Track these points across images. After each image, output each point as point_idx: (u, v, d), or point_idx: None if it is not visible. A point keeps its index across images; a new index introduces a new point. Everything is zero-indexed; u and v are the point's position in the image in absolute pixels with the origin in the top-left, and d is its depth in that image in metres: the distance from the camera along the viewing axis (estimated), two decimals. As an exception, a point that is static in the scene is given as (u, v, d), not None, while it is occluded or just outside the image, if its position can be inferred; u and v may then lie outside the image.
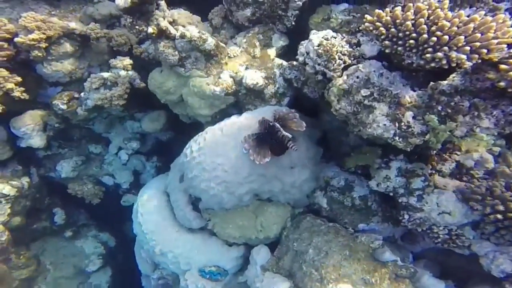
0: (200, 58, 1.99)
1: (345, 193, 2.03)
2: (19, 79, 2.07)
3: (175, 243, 2.24)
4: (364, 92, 1.48)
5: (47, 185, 2.97)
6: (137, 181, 3.20)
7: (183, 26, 2.13)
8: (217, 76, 2.00)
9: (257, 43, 2.12)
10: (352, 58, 1.62)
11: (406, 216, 1.73)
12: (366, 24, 1.45)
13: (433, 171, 1.69)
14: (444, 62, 1.26)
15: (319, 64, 1.62)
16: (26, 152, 2.61)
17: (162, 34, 1.89)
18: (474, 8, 1.43)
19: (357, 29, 1.76)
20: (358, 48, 1.64)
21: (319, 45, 1.63)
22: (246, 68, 2.02)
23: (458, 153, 1.66)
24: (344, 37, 1.69)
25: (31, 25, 1.92)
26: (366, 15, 1.49)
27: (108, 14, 2.41)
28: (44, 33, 1.97)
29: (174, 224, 2.32)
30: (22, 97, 2.09)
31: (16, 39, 1.99)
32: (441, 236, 1.65)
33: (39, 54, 2.02)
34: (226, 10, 2.21)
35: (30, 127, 2.29)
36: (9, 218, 2.47)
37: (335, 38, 1.66)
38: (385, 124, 1.46)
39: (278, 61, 2.08)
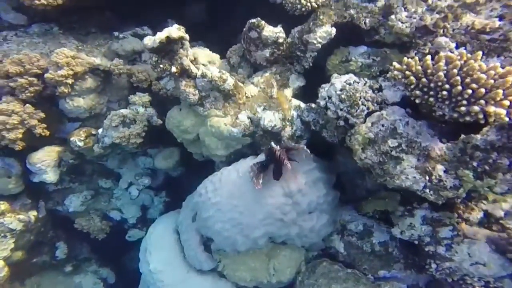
0: (218, 98, 2.03)
1: (364, 238, 1.98)
2: (42, 115, 2.11)
3: (184, 285, 2.16)
4: (391, 143, 1.48)
5: (52, 218, 2.91)
6: (144, 215, 3.14)
7: (203, 65, 2.20)
8: (234, 117, 2.03)
9: (275, 83, 2.17)
10: (375, 104, 1.63)
11: (434, 265, 1.67)
12: (395, 72, 1.47)
13: (460, 220, 1.65)
14: (481, 116, 1.24)
15: (341, 110, 1.64)
16: (36, 185, 2.59)
17: (184, 73, 1.94)
18: (502, 58, 1.44)
19: (378, 74, 1.80)
20: (380, 93, 1.65)
21: (341, 90, 1.65)
22: (264, 109, 2.06)
23: (485, 202, 1.62)
24: (366, 82, 1.70)
25: (62, 61, 1.99)
26: (394, 63, 1.52)
27: (131, 50, 2.52)
28: (72, 70, 2.03)
29: (184, 265, 2.25)
30: (43, 134, 2.11)
31: (46, 75, 2.05)
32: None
33: (65, 90, 2.08)
34: (245, 49, 2.28)
35: (46, 163, 2.30)
36: (11, 253, 2.40)
37: (358, 83, 1.67)
38: (414, 177, 1.45)
39: (296, 102, 2.12)
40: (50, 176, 2.39)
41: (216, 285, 2.15)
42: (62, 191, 2.78)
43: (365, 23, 1.94)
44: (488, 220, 1.65)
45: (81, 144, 2.29)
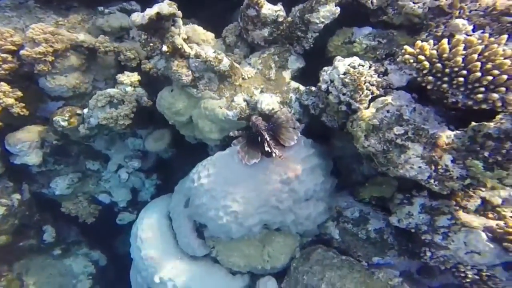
0: (213, 79, 1.91)
1: (359, 225, 1.96)
2: (19, 94, 1.95)
3: (176, 272, 2.12)
4: (397, 130, 1.40)
5: (38, 201, 2.80)
6: (135, 198, 3.06)
7: (197, 44, 2.05)
8: (230, 99, 1.92)
9: (273, 65, 2.05)
10: (381, 89, 1.54)
11: (429, 253, 1.66)
12: (406, 56, 1.38)
13: (458, 207, 1.62)
14: (499, 104, 1.17)
15: (344, 94, 1.54)
16: (18, 167, 2.46)
17: (176, 52, 1.80)
18: None
19: (384, 57, 1.70)
20: (385, 77, 1.56)
21: (345, 74, 1.54)
22: (261, 92, 1.95)
23: (483, 189, 1.59)
24: (371, 65, 1.61)
25: (39, 37, 1.81)
26: (406, 47, 1.42)
27: (118, 26, 2.34)
28: (51, 46, 1.86)
29: (176, 251, 2.20)
30: (21, 113, 1.96)
31: (21, 52, 1.88)
32: (469, 276, 1.57)
33: (45, 68, 1.92)
34: (241, 28, 2.14)
35: (27, 144, 2.15)
36: (-6, 239, 2.31)
37: (363, 66, 1.57)
38: (420, 167, 1.39)
39: (294, 84, 2.02)
40: (32, 158, 2.26)
41: (210, 271, 2.12)
42: (47, 173, 2.66)
43: (371, 2, 1.81)
44: (485, 208, 1.63)
45: (64, 124, 2.14)
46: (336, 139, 2.09)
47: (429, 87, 1.34)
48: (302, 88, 1.98)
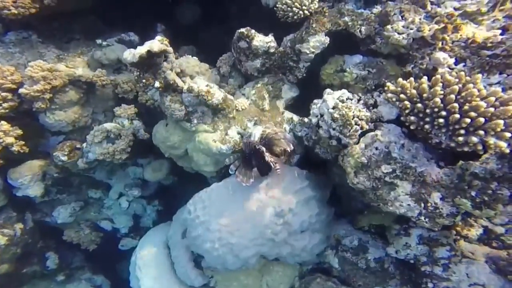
0: (207, 113, 1.93)
1: (359, 254, 1.94)
2: (19, 132, 2.01)
3: (175, 303, 2.11)
4: (385, 168, 1.40)
5: (41, 228, 2.84)
6: (137, 224, 3.07)
7: (191, 76, 2.09)
8: (224, 132, 1.94)
9: (266, 95, 2.07)
10: (370, 123, 1.53)
11: (430, 285, 1.63)
12: (389, 94, 1.38)
13: (458, 237, 1.59)
14: (480, 148, 1.16)
15: (333, 129, 1.54)
16: (21, 198, 2.51)
17: (169, 87, 1.84)
18: (505, 75, 1.33)
19: (373, 87, 1.69)
20: (375, 109, 1.55)
21: (334, 108, 1.55)
22: (255, 124, 1.97)
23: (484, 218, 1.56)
24: (360, 98, 1.60)
25: (37, 75, 1.87)
26: (388, 84, 1.42)
27: (115, 59, 2.40)
28: (49, 83, 1.92)
29: (175, 281, 2.20)
30: (21, 151, 2.01)
31: (20, 91, 1.94)
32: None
33: (43, 106, 1.97)
34: (235, 58, 2.17)
35: (28, 178, 2.20)
36: (-5, 268, 2.34)
37: (351, 100, 1.57)
38: (409, 204, 1.38)
39: (288, 115, 2.03)
40: (34, 190, 2.31)
41: (209, 301, 2.11)
42: (49, 202, 2.70)
43: (360, 31, 1.83)
44: (488, 237, 1.60)
45: (64, 158, 2.19)
46: (335, 167, 2.08)
47: (412, 127, 1.34)
48: (295, 118, 1.99)
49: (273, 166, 1.66)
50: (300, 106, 2.21)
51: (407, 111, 1.33)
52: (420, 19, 1.69)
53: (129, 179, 2.75)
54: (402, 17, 1.72)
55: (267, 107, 2.03)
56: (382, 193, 1.42)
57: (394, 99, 1.35)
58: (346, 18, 1.86)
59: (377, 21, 1.80)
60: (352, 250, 1.96)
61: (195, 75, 2.07)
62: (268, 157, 1.66)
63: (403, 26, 1.65)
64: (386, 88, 1.43)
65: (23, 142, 2.03)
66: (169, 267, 2.24)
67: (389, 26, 1.67)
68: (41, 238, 2.86)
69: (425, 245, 1.63)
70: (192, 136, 1.96)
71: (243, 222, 1.81)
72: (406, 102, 1.31)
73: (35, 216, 2.73)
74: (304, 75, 2.05)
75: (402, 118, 1.36)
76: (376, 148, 1.44)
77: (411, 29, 1.62)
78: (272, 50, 2.00)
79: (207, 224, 1.87)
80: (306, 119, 1.87)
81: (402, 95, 1.31)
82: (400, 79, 1.38)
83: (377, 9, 1.86)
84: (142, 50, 1.61)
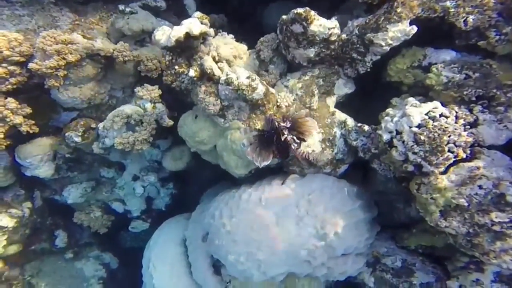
0: (244, 108, 1.65)
1: (401, 277, 1.71)
2: (28, 110, 1.75)
3: (189, 306, 1.96)
4: (497, 217, 1.08)
5: (50, 206, 2.69)
6: (149, 206, 2.91)
7: (227, 61, 1.76)
8: (261, 131, 1.65)
9: (316, 91, 1.73)
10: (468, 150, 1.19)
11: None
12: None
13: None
14: None
15: (415, 153, 1.21)
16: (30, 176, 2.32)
17: (205, 75, 1.54)
18: None
19: (474, 99, 1.27)
20: (473, 129, 1.21)
21: (420, 127, 1.20)
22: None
23: None
24: (458, 115, 1.23)
25: (50, 49, 1.57)
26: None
27: (139, 30, 2.08)
28: (64, 59, 1.62)
29: (191, 284, 2.04)
30: (31, 131, 1.77)
31: (30, 65, 1.64)
32: None
33: (56, 84, 1.69)
34: (280, 42, 1.81)
35: (38, 158, 1.98)
36: (4, 250, 2.20)
37: (447, 117, 1.20)
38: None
39: (340, 116, 1.71)
40: (44, 172, 2.10)
41: (225, 307, 1.96)
42: (60, 180, 2.52)
43: (465, 21, 1.40)
44: None
45: (78, 139, 1.95)
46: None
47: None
48: (350, 122, 1.67)
49: (292, 147, 1.42)
50: (346, 103, 1.89)
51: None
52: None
53: (144, 161, 2.53)
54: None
55: (315, 106, 1.72)
56: (481, 241, 1.14)
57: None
58: (448, 3, 1.43)
59: (499, 10, 1.35)
60: (393, 271, 1.74)
61: (232, 60, 1.75)
62: (287, 135, 1.43)
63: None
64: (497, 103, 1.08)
65: (33, 122, 1.78)
66: (184, 267, 2.09)
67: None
68: (50, 215, 2.73)
69: (505, 284, 1.35)
70: (224, 132, 1.69)
71: (275, 239, 1.59)
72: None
73: (44, 194, 2.57)
74: (368, 70, 1.67)
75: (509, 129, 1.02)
76: (480, 187, 1.12)
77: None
78: (333, 38, 1.62)
79: (233, 236, 1.66)
80: (366, 127, 1.54)
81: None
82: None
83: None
84: (179, 32, 1.30)
